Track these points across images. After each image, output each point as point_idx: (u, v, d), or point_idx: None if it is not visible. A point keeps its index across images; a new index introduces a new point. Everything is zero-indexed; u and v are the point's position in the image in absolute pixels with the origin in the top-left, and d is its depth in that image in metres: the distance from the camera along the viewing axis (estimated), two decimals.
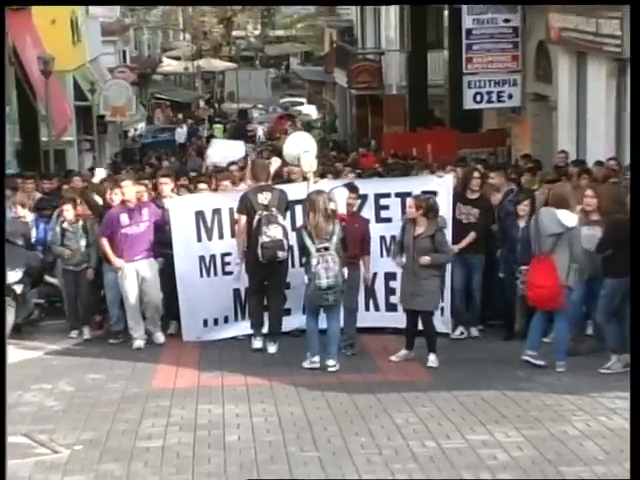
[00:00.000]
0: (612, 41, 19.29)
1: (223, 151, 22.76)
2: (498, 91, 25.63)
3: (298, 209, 13.16)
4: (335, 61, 46.86)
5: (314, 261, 11.56)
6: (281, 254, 12.67)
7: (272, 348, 12.91)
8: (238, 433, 9.66)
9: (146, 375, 12.09)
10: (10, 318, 13.69)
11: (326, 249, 11.61)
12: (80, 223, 13.83)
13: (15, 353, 13.33)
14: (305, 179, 13.61)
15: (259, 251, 12.59)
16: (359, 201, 12.96)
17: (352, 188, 12.81)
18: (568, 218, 11.59)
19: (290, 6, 59.66)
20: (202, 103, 68.43)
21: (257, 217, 12.67)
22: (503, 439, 9.17)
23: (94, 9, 43.74)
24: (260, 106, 64.46)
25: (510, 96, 25.70)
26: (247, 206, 12.84)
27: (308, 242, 11.68)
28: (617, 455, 8.67)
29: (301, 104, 63.78)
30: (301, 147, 13.85)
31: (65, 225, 13.86)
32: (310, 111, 60.66)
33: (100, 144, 41.80)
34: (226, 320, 13.65)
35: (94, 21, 44.94)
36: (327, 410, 10.37)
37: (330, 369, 11.77)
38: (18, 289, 13.85)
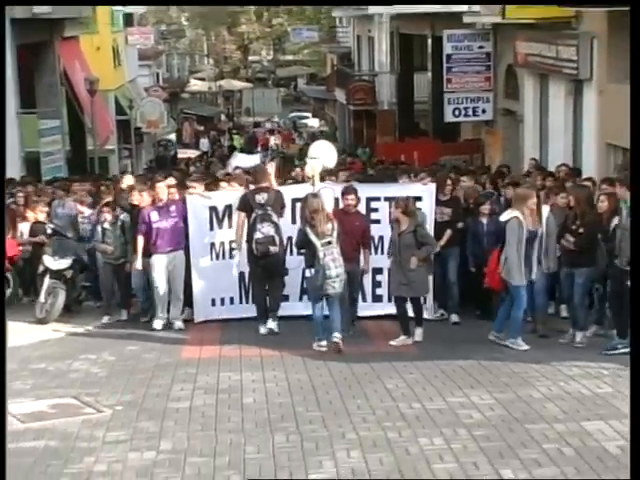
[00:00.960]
0: (570, 65, 19.26)
1: (242, 163, 22.78)
2: (473, 107, 25.60)
3: (298, 206, 12.89)
4: (336, 81, 46.72)
5: (321, 254, 11.31)
6: (272, 249, 12.40)
7: (273, 324, 12.65)
8: (254, 396, 9.66)
9: (175, 348, 12.10)
10: (61, 299, 13.72)
11: (329, 243, 11.43)
12: (118, 223, 13.67)
13: (65, 328, 13.37)
14: (306, 180, 13.44)
15: (254, 245, 12.41)
16: (358, 200, 12.69)
17: (352, 190, 12.61)
18: (503, 215, 11.65)
19: (295, 32, 59.08)
20: (223, 117, 68.24)
21: (254, 215, 12.48)
22: (478, 401, 9.16)
23: (133, 38, 43.65)
24: (276, 119, 64.32)
25: (484, 111, 25.67)
26: (246, 205, 12.65)
27: (314, 238, 11.42)
28: (573, 415, 8.65)
29: (307, 117, 63.67)
30: (313, 153, 13.66)
31: (105, 225, 13.70)
32: (314, 123, 60.59)
33: (137, 152, 41.73)
34: (232, 301, 13.40)
35: (132, 48, 44.81)
36: (329, 377, 10.37)
37: (335, 345, 11.48)
38: (68, 274, 13.88)
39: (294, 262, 12.85)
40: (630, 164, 8.84)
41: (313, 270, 11.51)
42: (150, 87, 48.10)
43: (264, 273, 12.75)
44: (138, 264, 13.08)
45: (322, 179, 13.72)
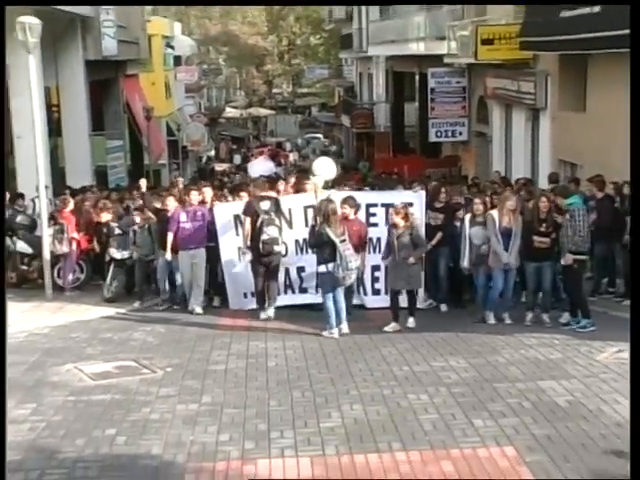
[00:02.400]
0: (528, 96, 19.24)
1: (258, 168, 22.76)
2: (452, 129, 25.57)
3: (309, 212, 12.46)
4: (342, 109, 46.67)
5: (341, 249, 10.75)
6: (277, 248, 11.99)
7: (271, 312, 12.13)
8: (276, 360, 9.67)
9: (213, 322, 12.05)
10: (121, 283, 13.73)
11: (344, 241, 10.92)
12: (146, 226, 13.25)
13: (126, 306, 13.34)
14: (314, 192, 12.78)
15: (260, 245, 11.93)
16: (355, 209, 12.03)
17: (348, 201, 11.96)
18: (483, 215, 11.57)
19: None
20: (252, 138, 68.27)
21: (260, 220, 11.97)
22: (455, 365, 9.16)
23: (180, 75, 43.58)
24: (299, 141, 64.20)
25: (460, 133, 25.64)
26: (251, 211, 12.12)
27: (333, 236, 10.85)
28: (531, 375, 8.64)
29: (319, 138, 63.60)
30: (316, 170, 13.24)
31: (135, 228, 13.36)
32: (324, 143, 60.50)
33: (184, 165, 41.75)
34: None
35: (180, 83, 44.78)
36: (336, 346, 10.36)
37: (344, 332, 10.97)
38: (129, 263, 13.86)
39: (310, 260, 12.40)
40: (630, 164, 8.63)
41: (331, 265, 10.83)
42: (194, 114, 48.00)
43: (266, 269, 12.22)
44: (168, 256, 12.61)
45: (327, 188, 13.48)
